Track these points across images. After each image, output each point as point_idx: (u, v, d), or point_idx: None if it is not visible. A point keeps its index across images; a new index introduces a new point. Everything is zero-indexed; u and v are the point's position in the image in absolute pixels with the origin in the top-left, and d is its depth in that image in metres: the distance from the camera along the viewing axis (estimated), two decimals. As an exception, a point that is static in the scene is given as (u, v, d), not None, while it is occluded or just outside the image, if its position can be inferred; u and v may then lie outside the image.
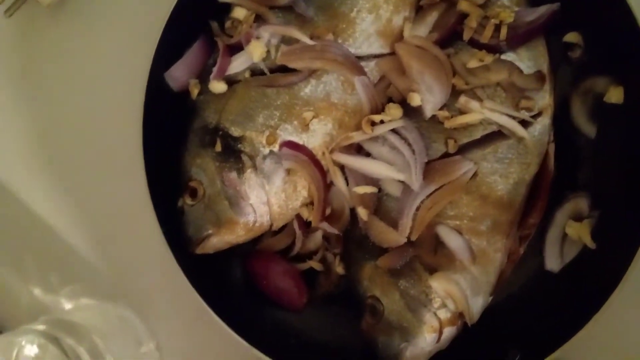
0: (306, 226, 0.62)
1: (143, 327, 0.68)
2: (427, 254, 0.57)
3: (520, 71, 0.58)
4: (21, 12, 0.71)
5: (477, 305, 0.57)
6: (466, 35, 0.58)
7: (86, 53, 0.72)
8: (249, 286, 0.63)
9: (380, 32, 0.60)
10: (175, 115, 0.60)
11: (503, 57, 0.58)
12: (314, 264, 0.63)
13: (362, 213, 0.58)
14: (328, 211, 0.61)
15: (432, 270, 0.56)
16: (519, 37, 0.58)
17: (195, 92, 0.60)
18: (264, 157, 0.58)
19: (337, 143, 0.59)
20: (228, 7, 0.61)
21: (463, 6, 0.58)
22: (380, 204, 0.59)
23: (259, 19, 0.60)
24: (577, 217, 0.60)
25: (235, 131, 0.59)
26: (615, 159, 0.60)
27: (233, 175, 0.58)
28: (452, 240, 0.56)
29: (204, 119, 0.60)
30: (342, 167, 0.60)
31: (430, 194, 0.57)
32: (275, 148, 0.58)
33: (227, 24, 0.61)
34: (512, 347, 0.58)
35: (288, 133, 0.59)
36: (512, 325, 0.61)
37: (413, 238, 0.57)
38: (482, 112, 0.57)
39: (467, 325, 0.57)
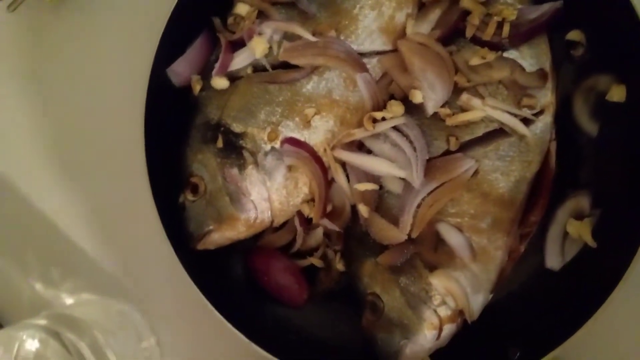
0: (307, 223, 0.62)
1: (144, 323, 0.68)
2: (428, 252, 0.57)
3: (523, 69, 0.58)
4: (24, 7, 0.71)
5: (477, 302, 0.57)
6: (469, 33, 0.58)
7: (89, 48, 0.72)
8: (250, 282, 0.64)
9: (383, 29, 0.60)
10: (177, 111, 0.60)
11: (505, 54, 0.58)
12: (315, 260, 0.63)
13: (363, 210, 0.58)
14: (329, 208, 0.61)
15: (432, 268, 0.56)
16: (522, 35, 0.58)
17: (197, 88, 0.60)
18: (266, 154, 0.58)
19: (339, 140, 0.59)
20: (231, 3, 0.61)
21: (466, 3, 0.58)
22: (381, 201, 0.59)
23: (262, 15, 0.60)
24: (578, 216, 0.60)
25: (237, 127, 0.59)
26: (616, 158, 0.60)
27: (234, 171, 0.58)
28: (453, 238, 0.56)
29: (206, 114, 0.60)
30: (343, 164, 0.60)
31: (432, 191, 0.57)
32: (277, 144, 0.58)
33: (230, 20, 0.61)
34: (512, 344, 0.58)
35: (290, 129, 0.59)
36: (512, 323, 0.61)
37: (414, 235, 0.57)
38: (484, 110, 0.57)
39: (467, 323, 0.57)
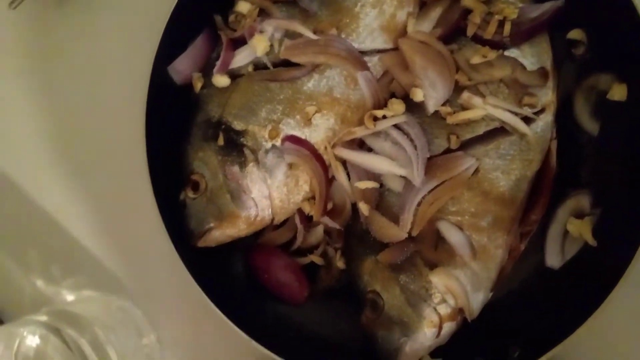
0: (308, 220, 0.62)
1: (144, 319, 0.69)
2: (428, 250, 0.57)
3: (524, 68, 0.58)
4: (25, 5, 0.71)
5: (477, 301, 0.57)
6: (470, 31, 0.58)
7: (90, 46, 0.72)
8: (251, 280, 0.64)
9: (384, 27, 0.60)
10: (179, 108, 0.61)
11: (506, 53, 0.58)
12: (315, 258, 0.63)
13: (364, 208, 0.58)
14: (329, 206, 0.61)
15: (432, 266, 0.57)
16: (523, 34, 0.58)
17: (198, 85, 0.60)
18: (266, 151, 0.58)
19: (339, 138, 0.59)
20: (232, 1, 0.61)
21: (467, 2, 0.58)
22: (381, 199, 0.59)
23: (263, 13, 0.60)
24: (579, 214, 0.60)
25: (238, 125, 0.59)
26: (617, 157, 0.60)
27: (235, 168, 0.58)
28: (453, 236, 0.56)
29: (207, 112, 0.60)
30: (344, 162, 0.60)
31: (432, 189, 0.57)
32: (278, 142, 0.58)
33: (231, 17, 0.61)
34: (512, 343, 0.58)
35: (290, 127, 0.59)
36: (512, 322, 0.61)
37: (414, 233, 0.57)
38: (485, 108, 0.57)
39: (467, 321, 0.57)
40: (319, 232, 0.63)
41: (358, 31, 0.60)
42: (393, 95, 0.60)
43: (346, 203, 0.61)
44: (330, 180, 0.60)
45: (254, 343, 0.57)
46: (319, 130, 0.59)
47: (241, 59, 0.60)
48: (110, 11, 0.71)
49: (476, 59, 0.57)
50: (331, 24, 0.59)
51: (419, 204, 0.57)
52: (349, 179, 0.60)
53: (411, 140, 0.57)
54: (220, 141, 0.58)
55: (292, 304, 0.63)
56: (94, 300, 0.70)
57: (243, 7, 0.60)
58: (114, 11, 0.71)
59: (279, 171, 0.59)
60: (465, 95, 0.57)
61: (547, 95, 0.59)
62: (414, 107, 0.58)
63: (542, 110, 0.58)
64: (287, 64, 0.59)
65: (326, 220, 0.60)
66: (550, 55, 0.59)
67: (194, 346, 0.70)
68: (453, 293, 0.56)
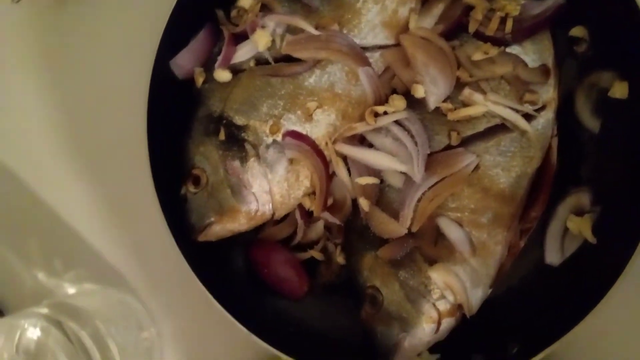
0: (308, 216, 0.62)
1: (145, 313, 0.69)
2: (428, 246, 0.57)
3: (525, 64, 0.58)
4: (28, -2, 0.71)
5: (476, 297, 0.57)
6: (472, 28, 0.58)
7: (92, 40, 0.72)
8: (251, 274, 0.64)
9: (386, 23, 0.60)
10: (180, 103, 0.61)
11: (508, 50, 0.58)
12: (315, 253, 0.63)
13: (364, 204, 0.58)
14: (330, 201, 0.61)
15: (432, 262, 0.57)
16: (525, 30, 0.58)
17: (200, 80, 0.60)
18: (267, 146, 0.58)
19: (340, 133, 0.59)
20: (234, -4, 0.61)
21: (469, -2, 0.58)
22: (382, 195, 0.59)
23: (265, 8, 0.60)
24: (579, 212, 0.60)
25: (239, 120, 0.59)
26: (618, 155, 0.60)
27: (236, 163, 0.58)
28: (453, 232, 0.56)
29: (209, 107, 0.60)
30: (344, 158, 0.60)
31: (432, 185, 0.57)
32: (279, 137, 0.58)
33: (233, 12, 0.61)
34: (511, 339, 0.58)
35: (291, 123, 0.59)
36: (511, 318, 0.61)
37: (414, 229, 0.57)
38: (486, 105, 0.57)
39: (465, 317, 0.57)
40: (319, 227, 0.63)
41: (360, 27, 0.60)
42: (394, 91, 0.60)
43: (346, 199, 0.61)
44: (330, 176, 0.60)
45: (253, 337, 0.57)
46: (320, 125, 0.59)
47: (243, 54, 0.60)
48: (112, 5, 0.71)
49: (478, 56, 0.57)
50: (333, 19, 0.59)
51: (419, 200, 0.57)
52: (350, 175, 0.60)
53: (412, 136, 0.57)
54: (222, 136, 0.59)
55: (292, 299, 0.63)
56: (95, 293, 0.70)
57: (245, 2, 0.60)
58: (116, 5, 0.71)
59: (279, 166, 0.59)
60: (467, 91, 0.57)
61: (548, 93, 0.58)
62: (415, 104, 0.58)
63: (543, 108, 0.58)
64: (288, 59, 0.59)
65: (326, 215, 0.60)
66: (552, 52, 0.59)
67: (194, 340, 0.70)
68: (452, 289, 0.56)
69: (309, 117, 0.59)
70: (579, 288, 0.58)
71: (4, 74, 0.73)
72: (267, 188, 0.58)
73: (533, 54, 0.58)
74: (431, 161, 0.57)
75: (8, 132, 0.73)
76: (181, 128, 0.61)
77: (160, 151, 0.59)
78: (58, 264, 0.71)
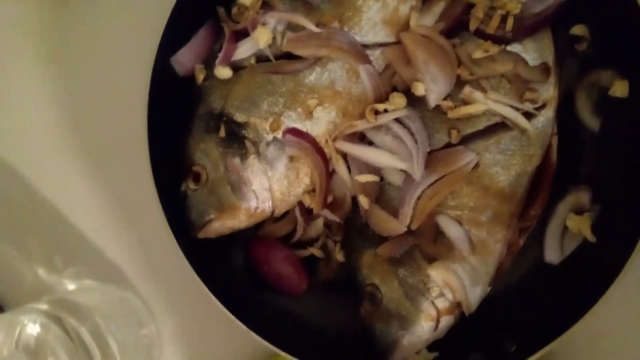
0: (308, 213, 0.62)
1: (145, 309, 0.69)
2: (427, 244, 0.57)
3: (526, 63, 0.58)
4: (30, -4, 0.71)
5: (475, 295, 0.57)
6: (472, 26, 0.58)
7: (93, 38, 0.72)
8: (250, 271, 0.64)
9: (387, 21, 0.60)
10: (181, 100, 0.61)
11: (509, 48, 0.58)
12: (315, 251, 0.63)
13: (364, 201, 0.58)
14: (330, 199, 0.61)
15: (431, 260, 0.57)
16: (525, 29, 0.58)
17: (200, 77, 0.60)
18: (268, 144, 0.58)
19: (341, 131, 0.59)
20: (235, -7, 0.61)
21: (470, -4, 0.58)
22: (381, 193, 0.59)
23: (266, 5, 0.60)
24: (578, 211, 0.60)
25: (239, 117, 0.59)
26: (618, 154, 0.60)
27: (236, 160, 0.58)
28: (452, 230, 0.57)
29: (209, 104, 0.60)
30: (344, 155, 0.60)
31: (432, 183, 0.57)
32: (279, 135, 0.59)
33: (234, 9, 0.61)
34: (509, 337, 0.58)
35: (292, 120, 0.59)
36: (509, 316, 0.61)
37: (413, 227, 0.57)
38: (486, 103, 0.57)
39: (464, 315, 0.57)
40: (318, 224, 0.63)
41: (360, 24, 0.60)
42: (394, 89, 0.60)
43: (346, 196, 0.61)
44: (330, 173, 0.60)
45: (252, 334, 0.57)
46: (320, 123, 0.59)
47: (243, 51, 0.60)
48: (113, 3, 0.71)
49: (478, 54, 0.57)
50: (334, 17, 0.59)
51: (418, 198, 0.57)
52: (350, 172, 0.60)
53: (412, 134, 0.57)
54: (222, 133, 0.59)
55: (291, 296, 0.63)
56: (95, 289, 0.70)
57: (246, -1, 0.60)
58: (117, 3, 0.71)
59: (279, 163, 0.59)
60: (467, 89, 0.57)
61: (548, 91, 0.58)
62: (415, 101, 0.58)
63: (543, 106, 0.58)
64: (289, 56, 0.59)
65: (326, 213, 0.60)
66: (552, 50, 0.59)
67: (193, 337, 0.70)
68: (451, 287, 0.56)
69: (309, 114, 0.59)
70: (578, 287, 0.58)
71: (5, 73, 0.73)
72: (267, 185, 0.59)
73: (534, 52, 0.58)
74: (431, 159, 0.57)
75: (9, 130, 0.73)
76: (181, 125, 0.61)
77: (160, 148, 0.59)
78: (58, 260, 0.71)
